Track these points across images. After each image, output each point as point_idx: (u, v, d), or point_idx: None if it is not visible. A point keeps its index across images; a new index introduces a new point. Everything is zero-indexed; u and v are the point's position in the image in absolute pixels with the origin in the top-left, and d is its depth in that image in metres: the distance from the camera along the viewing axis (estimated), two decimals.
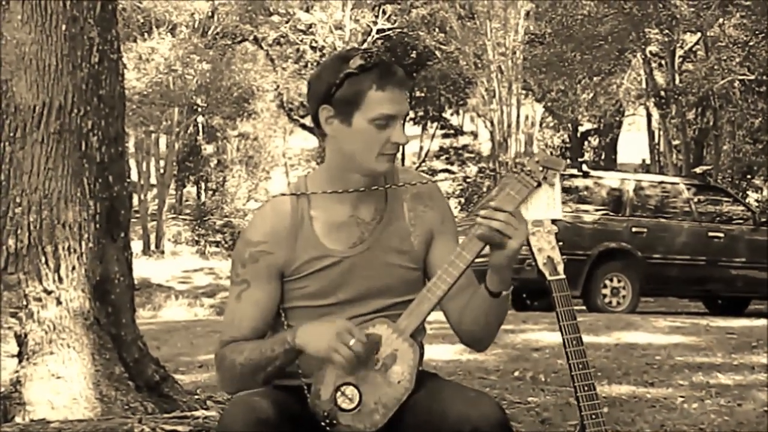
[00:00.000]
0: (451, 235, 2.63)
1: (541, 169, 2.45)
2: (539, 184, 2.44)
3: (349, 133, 2.47)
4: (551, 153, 35.86)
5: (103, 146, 4.60)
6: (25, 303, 4.39)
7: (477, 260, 2.43)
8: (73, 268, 4.45)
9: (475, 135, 45.88)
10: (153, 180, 36.17)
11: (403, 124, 2.53)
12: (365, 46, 30.39)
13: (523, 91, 30.95)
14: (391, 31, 32.92)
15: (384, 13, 32.49)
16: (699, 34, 24.91)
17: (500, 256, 2.40)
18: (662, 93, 25.16)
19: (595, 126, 36.66)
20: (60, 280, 4.42)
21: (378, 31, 32.50)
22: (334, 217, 2.55)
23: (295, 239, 2.53)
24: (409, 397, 2.42)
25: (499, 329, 2.59)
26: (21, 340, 4.38)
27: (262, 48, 33.81)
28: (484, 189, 32.39)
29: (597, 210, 13.21)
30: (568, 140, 38.80)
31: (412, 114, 40.63)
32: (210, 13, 30.88)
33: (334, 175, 2.55)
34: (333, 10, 32.37)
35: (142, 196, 33.51)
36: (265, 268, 2.53)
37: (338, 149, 2.52)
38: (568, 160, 12.20)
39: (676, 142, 27.34)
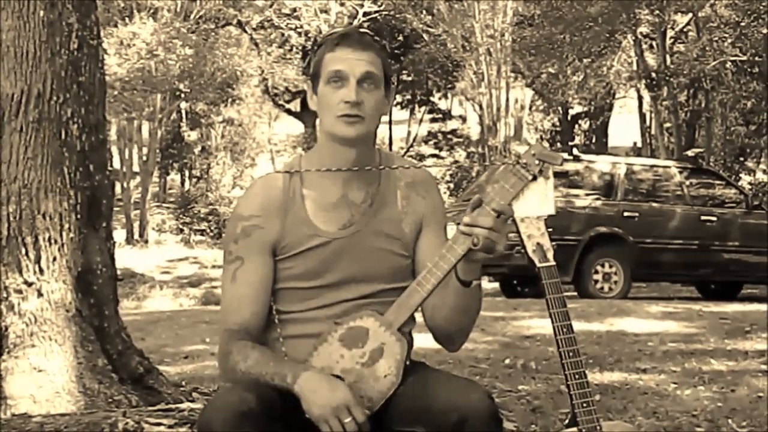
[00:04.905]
0: (440, 227, 2.61)
1: (537, 162, 2.40)
2: (534, 178, 2.39)
3: (318, 101, 2.51)
4: (541, 137, 35.90)
5: (84, 134, 4.53)
6: (5, 295, 4.35)
7: None
8: (54, 259, 4.39)
9: (463, 119, 45.81)
10: (136, 168, 35.98)
11: (365, 86, 2.47)
12: None
13: (512, 74, 30.88)
14: (377, 14, 32.74)
15: None
16: (690, 15, 24.87)
17: (482, 254, 2.37)
18: (653, 75, 25.11)
19: (586, 109, 36.59)
20: (41, 271, 4.36)
21: (364, 14, 32.32)
22: (326, 197, 2.54)
23: (285, 216, 2.51)
24: (396, 387, 2.40)
25: (471, 327, 2.55)
26: (1, 333, 4.34)
27: (246, 32, 33.62)
28: (473, 174, 32.34)
29: (588, 194, 13.14)
30: (558, 124, 38.78)
31: (399, 98, 40.57)
32: None
33: (324, 153, 2.54)
34: None
35: (125, 185, 33.36)
36: (258, 242, 2.50)
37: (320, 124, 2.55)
38: (565, 155, 12.07)
39: (668, 124, 27.31)
